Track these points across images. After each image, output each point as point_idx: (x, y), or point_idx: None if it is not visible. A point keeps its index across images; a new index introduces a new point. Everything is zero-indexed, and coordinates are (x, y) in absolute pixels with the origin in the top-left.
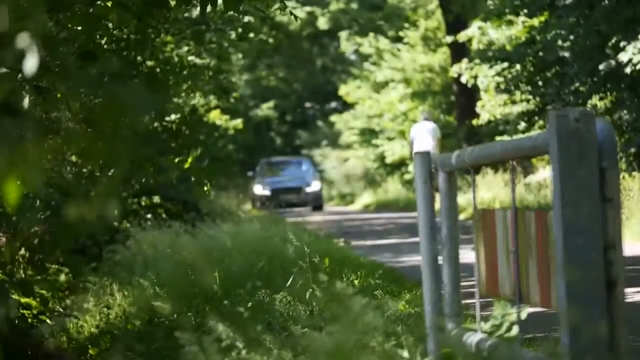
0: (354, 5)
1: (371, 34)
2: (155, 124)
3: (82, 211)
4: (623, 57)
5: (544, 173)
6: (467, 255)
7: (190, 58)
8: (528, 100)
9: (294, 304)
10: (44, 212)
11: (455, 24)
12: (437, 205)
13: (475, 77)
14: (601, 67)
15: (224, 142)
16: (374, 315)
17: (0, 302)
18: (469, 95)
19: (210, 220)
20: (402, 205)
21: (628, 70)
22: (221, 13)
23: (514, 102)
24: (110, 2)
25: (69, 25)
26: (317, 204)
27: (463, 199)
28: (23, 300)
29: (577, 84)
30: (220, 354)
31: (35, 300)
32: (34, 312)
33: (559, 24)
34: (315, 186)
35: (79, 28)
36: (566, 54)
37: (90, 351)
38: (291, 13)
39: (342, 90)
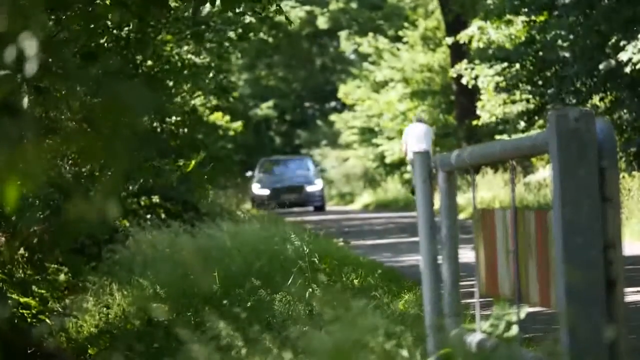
0: (354, 5)
1: (370, 34)
2: (155, 124)
3: (81, 210)
4: (623, 56)
5: (543, 172)
6: (466, 254)
7: (190, 57)
8: (528, 100)
9: (293, 303)
10: (44, 212)
11: (454, 24)
12: (437, 204)
13: (476, 78)
14: (601, 66)
15: (223, 142)
16: (374, 315)
17: None
18: (469, 94)
19: (210, 220)
20: (402, 205)
21: (628, 69)
22: (219, 13)
23: (513, 102)
24: (110, 1)
25: (69, 25)
26: (318, 204)
27: (463, 198)
28: (22, 300)
29: (577, 84)
30: (220, 353)
31: (34, 300)
32: (33, 311)
33: (559, 23)
34: (317, 185)
35: (79, 28)
36: (566, 54)
37: (89, 351)
38: (286, 17)
39: (341, 91)
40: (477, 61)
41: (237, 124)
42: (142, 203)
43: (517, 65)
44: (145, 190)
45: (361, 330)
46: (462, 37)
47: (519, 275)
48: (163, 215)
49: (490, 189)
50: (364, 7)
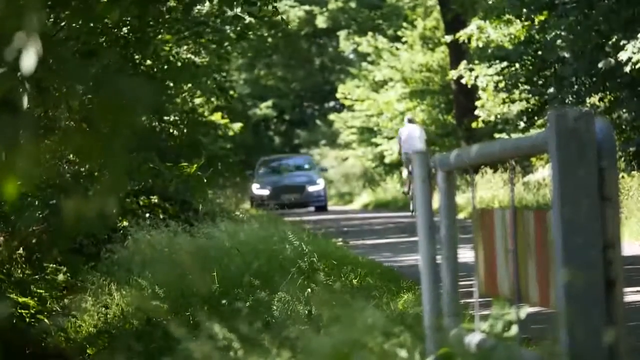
0: (353, 4)
1: (370, 33)
2: (155, 124)
3: (80, 209)
4: (622, 55)
5: (543, 172)
6: (466, 254)
7: (190, 56)
8: (527, 100)
9: (292, 303)
10: (43, 212)
11: (453, 23)
12: (436, 204)
13: (475, 78)
14: (600, 65)
15: (222, 142)
16: (373, 315)
17: None
18: (468, 94)
19: (209, 220)
20: (401, 205)
21: (627, 69)
22: (217, 9)
23: (513, 101)
24: None
25: (69, 24)
26: (320, 203)
27: (462, 198)
28: (21, 299)
29: (576, 83)
30: (218, 353)
31: (33, 300)
32: (32, 311)
33: (559, 23)
34: (318, 185)
35: (78, 27)
36: (566, 54)
37: (88, 350)
38: (282, 19)
39: (340, 91)
40: (476, 61)
41: (237, 125)
42: (141, 203)
43: (517, 65)
44: (145, 190)
45: (360, 330)
46: (462, 35)
47: (518, 275)
48: (162, 215)
49: (490, 189)
50: (363, 7)
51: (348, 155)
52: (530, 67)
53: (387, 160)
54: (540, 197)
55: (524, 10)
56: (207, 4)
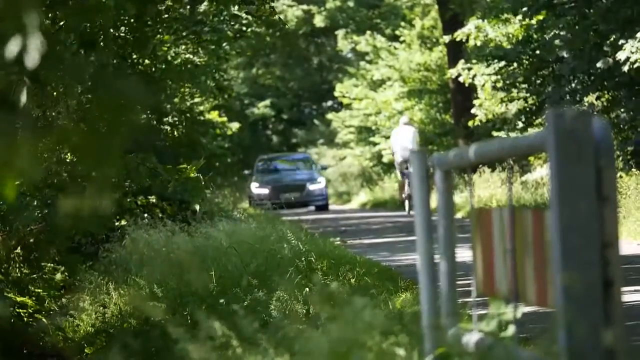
0: (351, 4)
1: (368, 32)
2: (154, 122)
3: (76, 207)
4: (621, 55)
5: (540, 171)
6: (464, 254)
7: (188, 56)
8: (525, 99)
9: (290, 302)
10: (41, 211)
11: (451, 22)
12: (434, 203)
13: (473, 77)
14: (599, 65)
15: (220, 141)
16: (371, 314)
17: None
18: (466, 93)
19: (207, 219)
20: (399, 204)
21: (625, 68)
22: (215, 8)
23: (511, 100)
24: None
25: (65, 21)
26: (321, 202)
27: (460, 197)
28: (19, 299)
29: (574, 83)
30: (216, 352)
31: (31, 299)
32: (30, 311)
33: (557, 23)
34: (319, 183)
35: (75, 24)
36: (564, 54)
37: (86, 350)
38: (279, 19)
39: (338, 90)
40: (474, 60)
41: (235, 125)
42: (139, 202)
43: (515, 65)
44: (143, 189)
45: (358, 330)
46: (459, 35)
47: (516, 275)
48: (160, 215)
49: (488, 188)
50: (361, 6)
51: (346, 155)
52: (528, 67)
53: (385, 159)
54: (538, 196)
55: (523, 9)
56: (206, 2)
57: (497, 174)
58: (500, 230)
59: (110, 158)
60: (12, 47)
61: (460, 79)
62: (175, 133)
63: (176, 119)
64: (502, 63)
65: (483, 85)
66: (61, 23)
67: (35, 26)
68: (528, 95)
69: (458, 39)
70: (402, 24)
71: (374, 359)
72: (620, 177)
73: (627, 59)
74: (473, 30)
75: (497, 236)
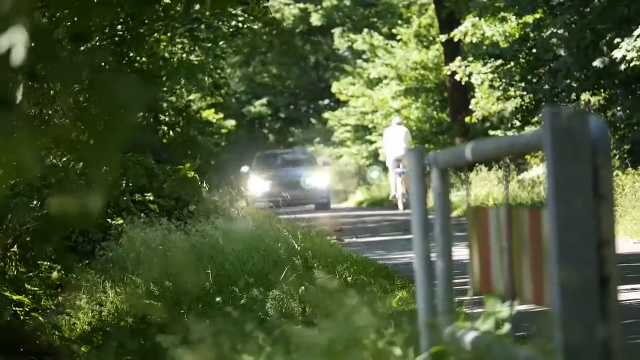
0: (347, 2)
1: (365, 30)
2: (151, 120)
3: (68, 205)
4: (617, 54)
5: (537, 170)
6: (460, 252)
7: (184, 55)
8: (522, 97)
9: (286, 301)
10: (40, 211)
11: (448, 21)
12: (430, 202)
13: (470, 75)
14: (595, 64)
15: (216, 139)
16: (367, 313)
17: None
18: (463, 92)
19: (203, 217)
20: (395, 203)
21: (622, 67)
22: (211, 10)
23: (507, 99)
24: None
25: (58, 15)
26: (323, 200)
27: (457, 196)
28: (15, 297)
29: (570, 81)
30: (212, 351)
31: (27, 298)
32: (26, 309)
33: (554, 22)
34: (321, 181)
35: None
36: (561, 52)
37: (82, 348)
38: (274, 18)
39: (335, 87)
40: (470, 58)
41: (231, 123)
42: (136, 199)
43: (511, 63)
44: (139, 187)
45: (354, 328)
46: (457, 34)
47: (513, 273)
48: (157, 211)
49: (484, 187)
50: (357, 4)
51: (342, 153)
52: (525, 65)
53: (381, 157)
54: (535, 194)
55: (518, 8)
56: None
57: (494, 172)
58: (497, 228)
59: (107, 157)
60: (2, 43)
61: (457, 77)
62: (171, 132)
63: (173, 117)
64: (499, 61)
65: (481, 84)
66: (54, 19)
67: (24, 22)
68: (525, 93)
69: (455, 39)
70: (399, 22)
71: (370, 358)
72: (617, 175)
73: (624, 57)
74: (470, 28)
75: (493, 234)
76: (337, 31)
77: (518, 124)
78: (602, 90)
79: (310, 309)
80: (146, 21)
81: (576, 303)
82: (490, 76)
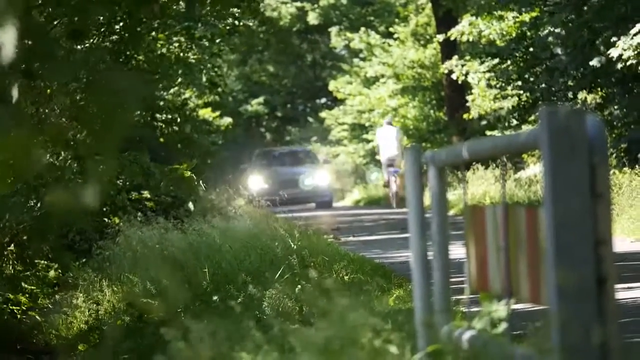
0: (344, 1)
1: (362, 29)
2: (148, 119)
3: (64, 203)
4: (614, 52)
5: (534, 169)
6: (457, 251)
7: (181, 54)
8: (519, 96)
9: (283, 299)
10: (38, 210)
11: (445, 19)
12: (427, 201)
13: (467, 74)
14: (592, 62)
15: (213, 137)
16: (363, 311)
17: None
18: (460, 90)
19: (200, 216)
20: (387, 201)
21: (619, 66)
22: (210, 8)
23: (504, 97)
24: None
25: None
26: (325, 199)
27: (453, 194)
28: (12, 296)
29: (567, 80)
30: (209, 350)
31: (24, 296)
32: (23, 308)
33: (551, 20)
34: (322, 179)
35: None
36: (558, 51)
37: (79, 347)
38: (266, 17)
39: (332, 85)
40: (467, 57)
41: (227, 120)
42: (133, 197)
43: (508, 62)
44: (135, 186)
45: (351, 327)
46: (454, 33)
47: (509, 272)
48: (154, 209)
49: (481, 185)
50: (354, 3)
51: (339, 152)
52: (522, 64)
53: (378, 156)
54: (532, 193)
55: (515, 6)
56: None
57: (491, 171)
58: (494, 227)
59: (104, 155)
60: None
61: (454, 76)
62: (168, 130)
63: (169, 115)
64: (496, 60)
65: (478, 83)
66: (51, 18)
67: (11, 19)
68: (521, 92)
69: (452, 38)
70: (396, 20)
71: (366, 357)
72: (614, 174)
73: (620, 56)
74: (467, 27)
75: (490, 233)
76: (334, 30)
77: (515, 122)
78: (599, 89)
79: (306, 308)
80: (144, 20)
81: (573, 302)
82: (487, 75)
